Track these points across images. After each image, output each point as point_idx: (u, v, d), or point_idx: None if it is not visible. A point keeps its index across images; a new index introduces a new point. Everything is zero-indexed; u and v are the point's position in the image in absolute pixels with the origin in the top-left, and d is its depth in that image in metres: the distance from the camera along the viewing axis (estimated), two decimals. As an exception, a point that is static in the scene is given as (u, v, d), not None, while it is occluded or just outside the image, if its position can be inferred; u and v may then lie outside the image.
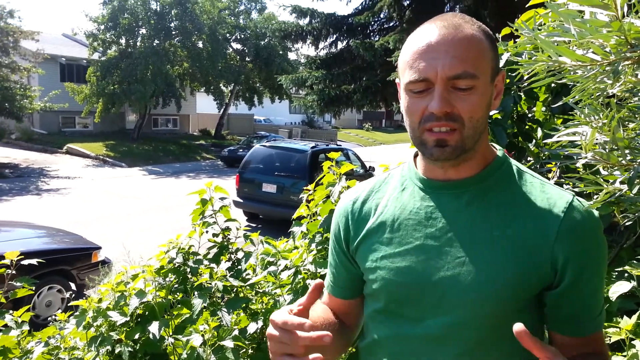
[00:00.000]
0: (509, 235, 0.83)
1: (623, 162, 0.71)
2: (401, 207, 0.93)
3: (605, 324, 1.43)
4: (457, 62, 0.79)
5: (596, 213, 0.84)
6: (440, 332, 0.86)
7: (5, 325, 1.98)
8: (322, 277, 1.66)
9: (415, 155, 0.97)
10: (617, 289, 1.46)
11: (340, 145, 18.13)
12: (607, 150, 0.73)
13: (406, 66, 0.84)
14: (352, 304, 1.05)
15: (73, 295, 4.55)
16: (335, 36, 10.62)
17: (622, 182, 0.76)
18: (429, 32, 0.83)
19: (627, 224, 1.17)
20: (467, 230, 0.85)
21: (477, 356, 0.85)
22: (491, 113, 1.88)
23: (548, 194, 0.85)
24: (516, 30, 1.16)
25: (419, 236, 0.88)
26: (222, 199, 2.15)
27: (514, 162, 0.93)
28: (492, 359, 0.86)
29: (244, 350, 1.78)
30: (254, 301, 2.00)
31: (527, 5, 1.49)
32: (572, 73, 0.69)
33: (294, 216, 2.04)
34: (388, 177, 1.01)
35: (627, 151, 0.72)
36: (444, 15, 0.86)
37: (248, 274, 2.06)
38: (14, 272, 2.03)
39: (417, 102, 0.83)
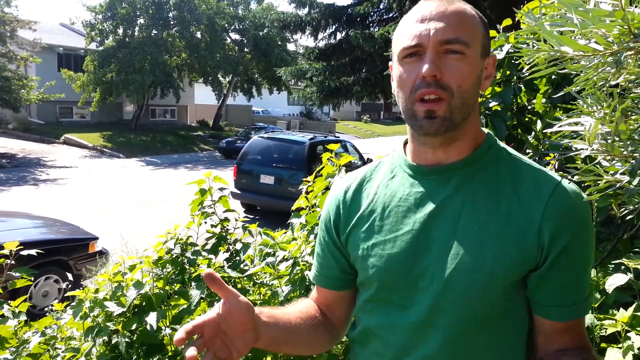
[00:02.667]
0: (496, 217, 0.84)
1: (625, 153, 0.70)
2: (391, 194, 0.94)
3: (601, 315, 1.44)
4: (449, 28, 0.82)
5: (584, 196, 0.84)
6: (428, 318, 0.86)
7: (2, 315, 1.98)
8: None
9: (405, 144, 0.98)
10: (614, 281, 1.46)
11: (339, 137, 18.10)
12: (609, 142, 0.72)
13: (400, 36, 0.87)
14: (338, 296, 1.05)
15: (70, 285, 4.56)
16: (334, 27, 10.57)
17: (622, 173, 0.75)
18: (424, 6, 0.86)
19: (625, 216, 1.17)
20: (456, 214, 0.86)
21: (465, 341, 0.86)
22: (490, 105, 1.87)
23: (536, 176, 0.86)
24: (520, 18, 1.15)
25: (408, 222, 0.89)
26: (221, 189, 2.14)
27: (502, 144, 0.93)
28: (481, 345, 0.86)
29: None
30: (251, 292, 2.00)
31: (527, -3, 1.48)
32: (574, 63, 0.69)
33: (293, 207, 2.04)
34: (379, 165, 1.02)
35: (628, 142, 0.72)
36: None
37: (246, 265, 2.06)
38: (12, 262, 2.02)
39: (409, 69, 0.85)
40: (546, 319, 0.86)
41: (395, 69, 0.88)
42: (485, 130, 0.95)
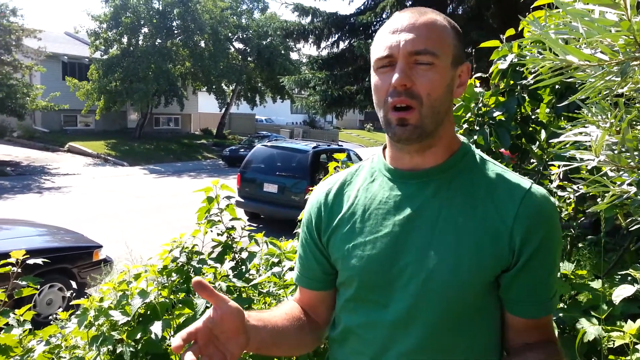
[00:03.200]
0: (472, 221, 0.87)
1: (632, 164, 0.70)
2: (371, 197, 0.97)
3: (609, 327, 1.42)
4: (418, 40, 0.85)
5: (552, 199, 0.89)
6: (406, 316, 0.90)
7: (7, 324, 1.98)
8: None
9: (384, 148, 1.02)
10: (621, 292, 1.45)
11: (342, 146, 18.11)
12: (615, 152, 0.72)
13: (375, 47, 0.91)
14: (320, 296, 1.08)
15: (74, 294, 4.55)
16: (337, 36, 10.59)
17: (630, 185, 0.75)
18: (397, 18, 0.90)
19: (631, 228, 1.16)
20: (434, 218, 0.89)
21: (442, 338, 0.90)
22: (494, 114, 1.87)
23: (508, 181, 0.90)
24: (521, 30, 1.15)
25: (388, 224, 0.93)
26: (227, 197, 2.14)
27: (477, 150, 0.98)
28: (457, 341, 0.90)
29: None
30: (256, 301, 2.00)
31: (532, 6, 1.49)
32: (579, 72, 0.69)
33: (300, 217, 2.03)
34: (359, 168, 1.05)
35: (635, 153, 0.72)
36: (413, 7, 0.94)
37: (251, 274, 2.06)
38: (19, 270, 2.03)
39: (383, 79, 0.89)
40: (517, 316, 0.91)
41: (372, 79, 0.93)
42: (461, 137, 0.99)
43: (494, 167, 0.94)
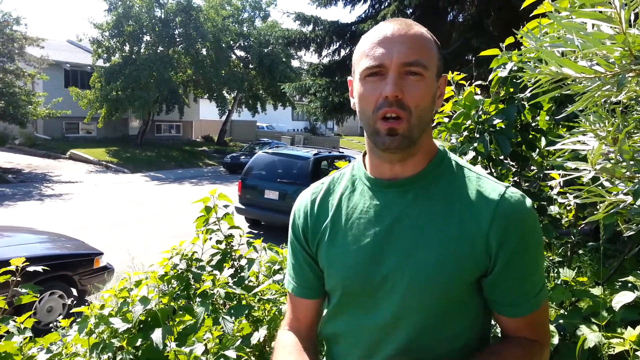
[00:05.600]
0: (450, 227, 0.90)
1: (628, 174, 0.71)
2: (353, 206, 0.99)
3: (609, 334, 1.42)
4: (410, 51, 0.87)
5: (528, 202, 0.91)
6: (392, 319, 0.93)
7: (7, 331, 1.98)
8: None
9: (364, 155, 1.04)
10: (621, 299, 1.45)
11: (343, 153, 18.11)
12: (611, 162, 0.73)
13: (362, 56, 0.91)
14: (316, 305, 1.09)
15: (74, 301, 4.55)
16: (338, 44, 10.63)
17: (626, 194, 0.76)
18: (384, 27, 0.91)
19: (627, 234, 1.17)
20: (414, 225, 0.92)
21: (427, 337, 0.93)
22: (495, 122, 1.88)
23: (483, 186, 0.93)
24: (521, 38, 1.16)
25: (369, 233, 0.95)
26: (225, 206, 2.16)
27: (453, 156, 1.00)
28: (442, 338, 0.93)
29: (246, 359, 1.77)
30: (256, 308, 2.00)
31: (531, 15, 1.50)
32: (576, 84, 0.70)
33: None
34: (340, 176, 1.07)
35: (631, 163, 0.72)
36: (397, 18, 0.95)
37: (251, 281, 2.06)
38: (18, 278, 2.03)
39: (372, 88, 0.89)
40: (503, 316, 0.94)
41: (357, 86, 0.93)
42: (438, 142, 1.01)
43: (470, 173, 0.96)
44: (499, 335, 1.01)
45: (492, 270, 0.90)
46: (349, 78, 1.01)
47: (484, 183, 0.93)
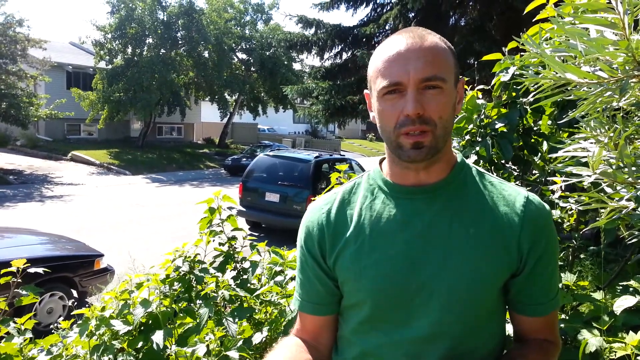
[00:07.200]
0: (482, 232, 0.90)
1: (629, 179, 0.71)
2: (377, 215, 0.95)
3: (610, 338, 1.42)
4: (427, 66, 0.85)
5: (547, 206, 0.95)
6: (429, 331, 0.91)
7: (8, 333, 1.98)
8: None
9: (380, 162, 1.02)
10: (622, 303, 1.45)
11: (344, 155, 18.14)
12: (613, 168, 0.73)
13: (378, 74, 0.89)
14: (325, 322, 1.04)
15: (75, 302, 4.54)
16: (340, 47, 10.66)
17: (628, 200, 0.76)
18: (397, 42, 0.89)
19: (629, 241, 1.17)
20: (446, 231, 0.91)
21: (465, 345, 0.92)
22: (497, 126, 1.88)
23: (507, 191, 0.95)
24: (522, 44, 1.16)
25: (398, 242, 0.92)
26: (229, 208, 2.16)
27: (470, 164, 1.01)
28: (478, 344, 0.94)
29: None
30: (258, 310, 2.00)
31: (534, 20, 1.51)
32: (578, 89, 0.70)
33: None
34: (355, 186, 1.03)
35: (633, 168, 0.72)
36: (408, 28, 0.93)
37: (253, 283, 2.06)
38: (19, 279, 2.04)
39: (391, 106, 0.88)
40: (527, 316, 0.97)
41: (376, 104, 0.92)
42: (455, 152, 1.01)
43: (491, 178, 0.98)
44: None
45: (522, 272, 0.92)
46: (365, 92, 0.99)
47: (507, 188, 0.96)
